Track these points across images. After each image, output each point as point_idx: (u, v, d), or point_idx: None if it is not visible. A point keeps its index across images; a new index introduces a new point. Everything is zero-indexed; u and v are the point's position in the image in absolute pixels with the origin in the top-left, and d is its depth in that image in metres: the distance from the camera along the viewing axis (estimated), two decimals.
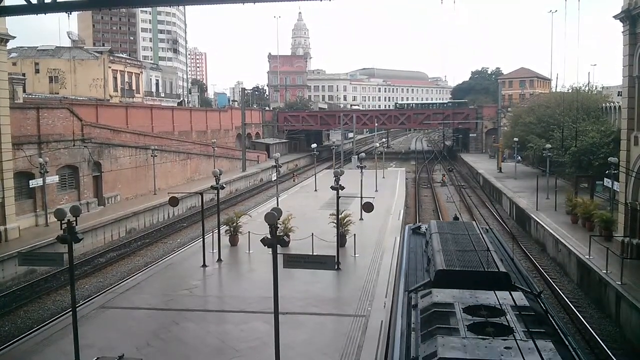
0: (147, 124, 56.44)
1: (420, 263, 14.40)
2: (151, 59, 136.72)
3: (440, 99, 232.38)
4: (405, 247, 16.26)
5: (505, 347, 8.42)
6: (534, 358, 7.62)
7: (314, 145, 56.75)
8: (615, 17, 26.49)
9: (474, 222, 18.85)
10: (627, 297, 19.97)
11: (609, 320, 21.54)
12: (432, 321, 9.72)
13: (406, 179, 61.46)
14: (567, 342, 9.04)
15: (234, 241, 28.63)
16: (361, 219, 33.44)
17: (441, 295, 10.83)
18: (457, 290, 10.95)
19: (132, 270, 29.30)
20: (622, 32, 26.23)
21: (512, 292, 9.86)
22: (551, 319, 9.96)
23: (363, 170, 38.41)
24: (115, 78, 75.33)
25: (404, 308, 11.40)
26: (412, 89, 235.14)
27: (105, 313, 19.65)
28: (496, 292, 9.99)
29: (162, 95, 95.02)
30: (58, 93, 66.75)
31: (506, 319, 9.41)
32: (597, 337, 19.64)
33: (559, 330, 9.53)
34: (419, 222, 33.26)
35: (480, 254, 12.48)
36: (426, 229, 17.03)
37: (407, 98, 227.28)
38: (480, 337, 8.86)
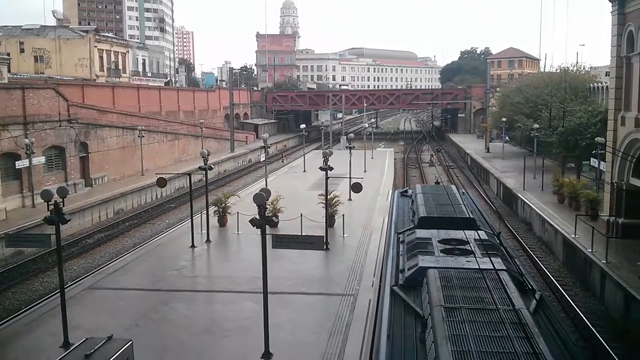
0: (134, 104, 55.93)
1: (407, 215, 17.88)
2: (137, 38, 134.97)
3: (429, 79, 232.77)
4: (395, 206, 19.78)
5: (467, 261, 11.66)
6: (486, 265, 10.41)
7: (302, 126, 56.64)
8: None
9: (453, 186, 21.43)
10: (612, 276, 20.25)
11: (594, 299, 21.85)
12: (414, 248, 12.84)
13: (395, 159, 61.59)
14: (512, 261, 12.14)
15: (222, 222, 28.63)
16: (350, 199, 33.51)
17: (422, 233, 14.08)
18: (434, 230, 14.14)
19: (120, 251, 29.24)
20: (611, 12, 26.24)
21: (477, 231, 13.19)
22: (504, 249, 12.90)
23: (352, 150, 38.40)
24: (101, 57, 74.37)
25: (394, 244, 14.55)
26: (402, 69, 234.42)
27: (93, 294, 19.65)
28: (464, 231, 13.22)
29: (149, 75, 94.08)
30: (43, 73, 65.87)
31: (470, 246, 12.61)
32: (582, 314, 19.93)
33: (507, 254, 12.53)
34: None
35: (454, 206, 16.24)
36: (412, 192, 20.78)
37: (396, 78, 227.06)
38: (449, 256, 12.15)
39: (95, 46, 72.48)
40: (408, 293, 10.81)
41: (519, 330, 8.02)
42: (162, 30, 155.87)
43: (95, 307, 18.44)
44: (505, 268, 11.08)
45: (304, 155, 53.69)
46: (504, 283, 9.79)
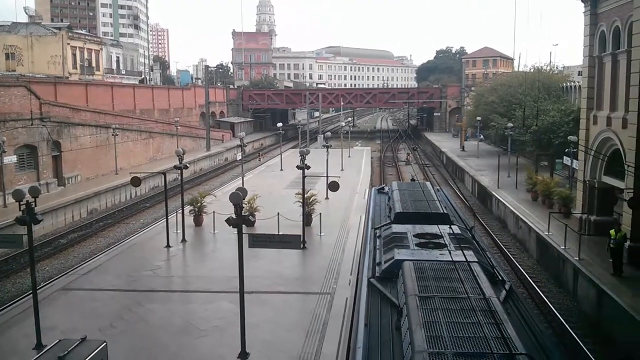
0: (108, 102, 55.16)
1: (384, 211, 18.42)
2: (111, 36, 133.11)
3: (405, 78, 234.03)
4: (372, 202, 20.42)
5: (440, 253, 12.20)
6: (459, 257, 10.72)
7: (279, 124, 56.50)
8: None
9: (428, 183, 22.21)
10: (584, 272, 20.58)
11: (567, 295, 22.19)
12: (391, 242, 13.36)
13: (371, 158, 61.81)
14: (484, 254, 12.55)
15: (198, 221, 28.41)
16: (327, 198, 33.54)
17: (398, 227, 14.67)
18: (410, 225, 14.76)
19: (94, 251, 28.82)
20: (584, 12, 26.64)
21: (451, 226, 13.52)
22: (476, 242, 13.63)
23: (329, 149, 38.44)
24: (74, 55, 73.20)
25: (371, 238, 15.09)
26: (378, 68, 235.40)
27: (67, 295, 19.34)
28: (439, 225, 13.79)
29: (123, 72, 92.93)
30: (15, 70, 64.59)
31: (443, 240, 13.20)
32: (555, 310, 20.23)
33: (479, 247, 13.25)
34: None
35: (429, 202, 16.96)
36: (388, 188, 21.51)
37: (373, 77, 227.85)
38: (424, 249, 12.72)
39: (68, 43, 71.32)
40: (384, 284, 11.27)
41: (489, 317, 8.40)
42: (137, 27, 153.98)
43: (68, 308, 18.14)
44: (477, 260, 11.59)
45: (280, 153, 53.59)
46: (476, 274, 10.23)
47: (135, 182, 25.96)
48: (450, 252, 11.62)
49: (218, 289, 19.24)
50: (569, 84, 52.04)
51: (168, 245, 24.67)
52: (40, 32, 70.29)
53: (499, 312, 8.75)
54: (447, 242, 13.01)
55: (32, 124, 38.46)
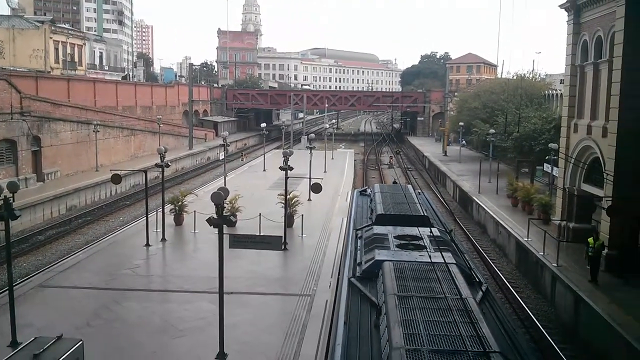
0: (90, 98, 54.56)
1: (366, 213, 18.77)
2: (95, 31, 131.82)
3: (390, 82, 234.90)
4: (354, 204, 20.73)
5: (420, 255, 12.52)
6: (438, 259, 10.90)
7: (263, 125, 56.33)
8: (560, 6, 27.18)
9: (409, 186, 22.52)
10: (562, 279, 20.80)
11: (545, 301, 22.40)
12: (372, 243, 13.62)
13: (355, 160, 61.92)
14: (462, 256, 12.82)
15: (179, 220, 28.21)
16: (309, 199, 33.51)
17: (379, 229, 14.91)
18: (390, 226, 15.06)
19: (72, 248, 28.46)
20: (567, 21, 26.96)
21: (431, 228, 13.76)
22: (455, 245, 14.02)
23: (312, 151, 38.42)
24: (56, 49, 72.22)
25: (353, 239, 15.35)
26: (363, 71, 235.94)
27: (44, 292, 19.09)
28: (419, 228, 14.28)
29: (106, 68, 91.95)
30: None
31: (423, 241, 13.47)
32: (533, 316, 20.41)
33: (458, 250, 13.48)
34: None
35: (410, 205, 17.27)
36: (371, 191, 21.83)
37: (358, 80, 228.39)
38: (404, 250, 12.98)
39: (51, 37, 70.36)
40: (365, 284, 11.51)
41: (465, 317, 8.67)
42: (121, 23, 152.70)
43: (45, 305, 17.90)
44: (455, 262, 11.98)
45: (264, 154, 53.45)
46: (453, 275, 10.49)
47: (116, 179, 25.70)
48: (429, 254, 11.89)
49: (197, 289, 19.11)
50: (550, 91, 52.61)
51: (148, 244, 24.46)
52: (23, 25, 69.24)
53: (474, 312, 8.99)
54: (426, 244, 13.30)
55: (12, 119, 37.87)
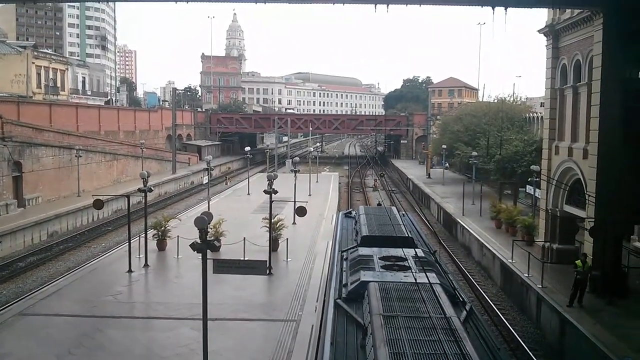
0: (72, 123, 54.21)
1: (351, 235, 19.09)
2: (78, 56, 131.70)
3: (373, 105, 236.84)
4: (339, 226, 21.05)
5: (405, 275, 12.74)
6: (422, 279, 11.13)
7: (247, 148, 56.28)
8: (539, 31, 27.71)
9: (393, 207, 22.88)
10: (547, 300, 20.83)
11: (530, 322, 22.39)
12: (357, 265, 13.83)
13: (339, 183, 61.98)
14: (446, 276, 13.20)
15: (162, 246, 27.89)
16: (294, 223, 33.38)
17: (364, 250, 15.17)
18: (376, 248, 15.29)
19: (53, 275, 27.98)
20: (546, 45, 27.47)
21: (415, 249, 14.01)
22: (439, 265, 14.30)
23: (297, 174, 38.39)
24: (39, 74, 71.98)
25: (338, 261, 15.54)
26: (347, 95, 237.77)
27: (24, 320, 18.67)
28: (403, 249, 14.32)
29: (89, 93, 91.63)
30: None
31: (408, 262, 13.65)
32: (519, 338, 20.36)
33: (442, 270, 13.88)
34: None
35: (394, 226, 17.38)
36: (356, 213, 22.12)
37: (341, 104, 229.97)
38: (389, 271, 13.22)
39: (33, 62, 70.14)
40: (350, 305, 11.72)
41: (449, 335, 8.87)
42: (104, 48, 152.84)
43: (26, 333, 17.48)
44: (439, 282, 12.16)
45: (248, 178, 53.32)
46: (437, 295, 10.65)
47: (98, 204, 25.39)
48: (414, 274, 12.16)
49: (181, 316, 18.82)
50: (531, 114, 53.35)
51: (130, 270, 24.10)
52: (5, 50, 68.98)
53: (458, 331, 9.13)
54: (411, 265, 13.49)
55: None
